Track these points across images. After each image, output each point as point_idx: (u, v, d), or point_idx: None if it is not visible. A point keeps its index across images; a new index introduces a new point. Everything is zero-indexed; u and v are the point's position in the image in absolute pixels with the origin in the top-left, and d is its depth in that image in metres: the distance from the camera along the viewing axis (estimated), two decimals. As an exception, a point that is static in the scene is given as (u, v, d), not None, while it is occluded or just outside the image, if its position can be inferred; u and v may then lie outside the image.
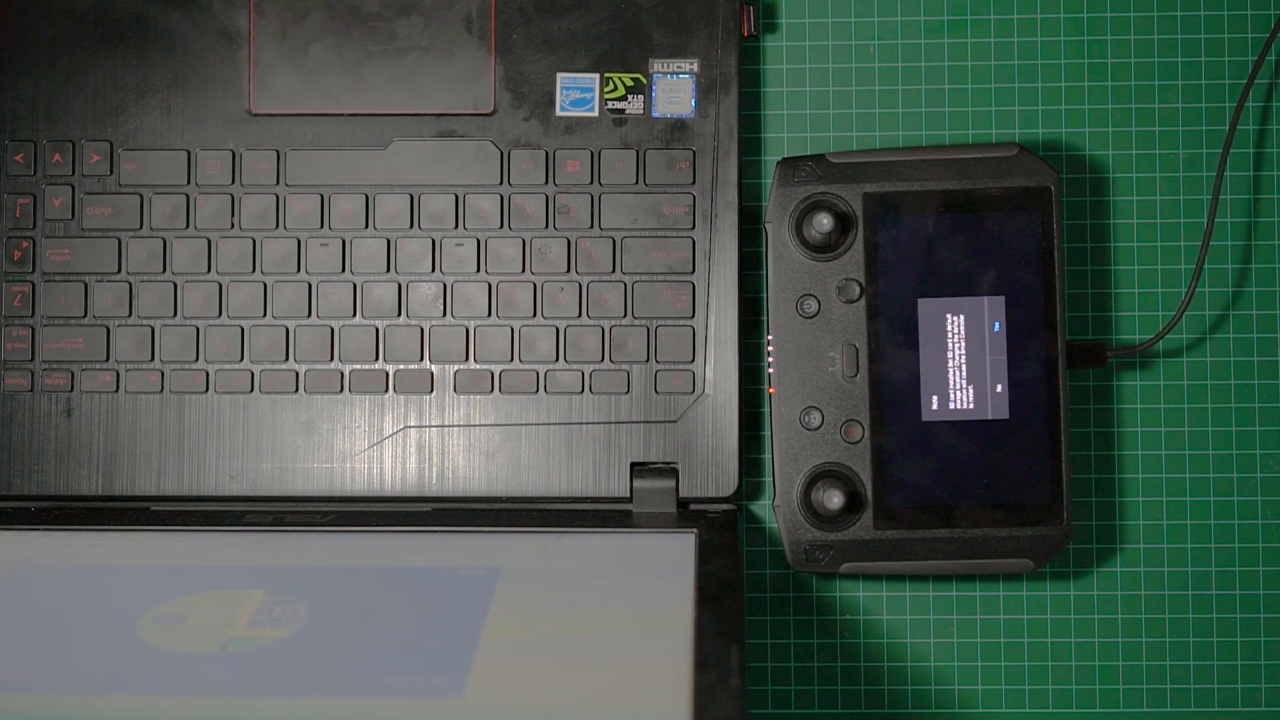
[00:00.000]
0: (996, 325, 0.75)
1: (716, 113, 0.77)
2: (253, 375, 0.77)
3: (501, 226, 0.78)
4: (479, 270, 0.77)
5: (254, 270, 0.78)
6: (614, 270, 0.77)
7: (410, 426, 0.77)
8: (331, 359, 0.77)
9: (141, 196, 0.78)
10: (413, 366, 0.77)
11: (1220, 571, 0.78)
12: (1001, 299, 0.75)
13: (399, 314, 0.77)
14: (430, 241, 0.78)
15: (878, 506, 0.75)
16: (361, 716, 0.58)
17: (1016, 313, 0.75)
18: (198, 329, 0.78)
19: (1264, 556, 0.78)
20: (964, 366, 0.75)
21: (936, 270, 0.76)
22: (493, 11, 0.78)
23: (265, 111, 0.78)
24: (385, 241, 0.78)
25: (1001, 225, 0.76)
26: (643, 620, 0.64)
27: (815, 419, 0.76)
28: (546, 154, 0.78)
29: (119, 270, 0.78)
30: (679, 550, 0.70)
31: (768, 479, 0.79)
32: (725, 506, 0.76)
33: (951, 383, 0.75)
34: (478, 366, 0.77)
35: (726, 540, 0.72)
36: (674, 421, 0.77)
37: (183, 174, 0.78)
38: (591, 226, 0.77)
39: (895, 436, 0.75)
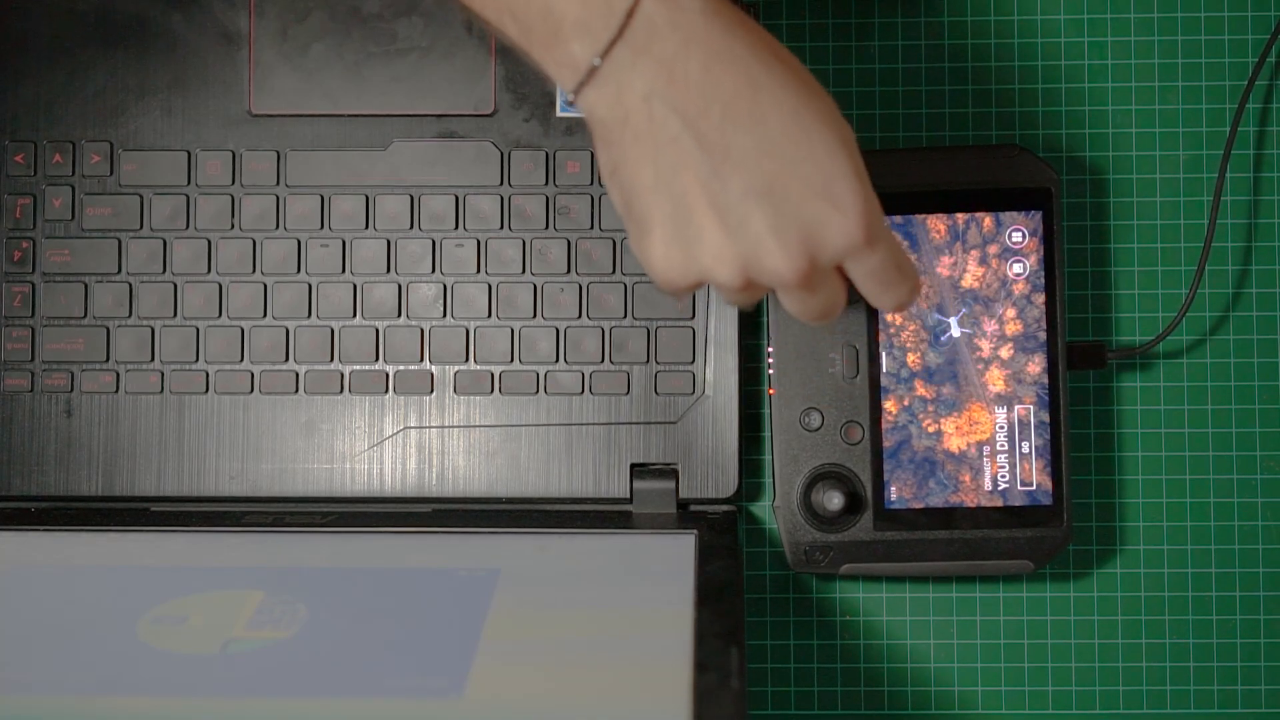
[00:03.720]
0: (996, 326, 0.75)
1: (717, 113, 0.77)
2: (253, 376, 0.77)
3: (502, 227, 0.78)
4: (479, 271, 0.77)
5: (254, 271, 0.78)
6: (614, 271, 0.77)
7: (410, 427, 0.77)
8: (331, 360, 0.77)
9: (141, 197, 0.78)
10: (413, 367, 0.77)
11: (1220, 573, 0.78)
12: (1002, 300, 0.75)
13: (399, 315, 0.77)
14: (430, 242, 0.78)
15: (878, 508, 0.75)
16: (361, 717, 0.58)
17: (1016, 314, 0.75)
18: (198, 329, 0.78)
19: (1264, 558, 0.78)
20: (964, 368, 0.75)
21: (937, 271, 0.76)
22: (493, 12, 0.78)
23: (265, 112, 0.78)
24: (385, 242, 0.78)
25: (1001, 226, 0.76)
26: (643, 621, 0.64)
27: (815, 420, 0.76)
28: (547, 155, 0.78)
29: (119, 271, 0.78)
30: (679, 551, 0.70)
31: (768, 480, 0.79)
32: (725, 507, 0.76)
33: (951, 384, 0.75)
34: (478, 367, 0.77)
35: (726, 541, 0.72)
36: (674, 422, 0.77)
37: (183, 174, 0.78)
38: (592, 227, 0.77)
39: (895, 437, 0.75)
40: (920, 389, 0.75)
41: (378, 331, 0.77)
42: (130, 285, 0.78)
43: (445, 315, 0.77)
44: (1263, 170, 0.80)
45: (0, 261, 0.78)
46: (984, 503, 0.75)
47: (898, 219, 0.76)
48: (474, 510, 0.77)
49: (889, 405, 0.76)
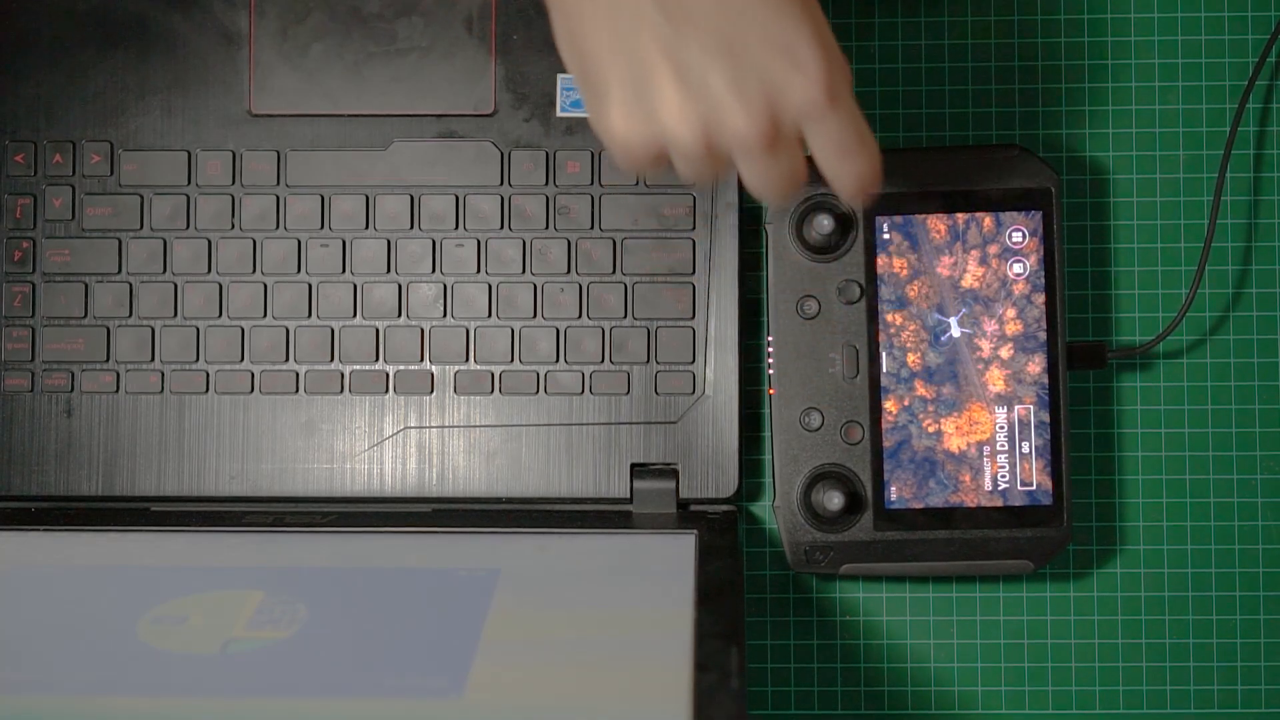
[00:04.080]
0: (996, 326, 0.75)
1: (717, 113, 0.77)
2: (253, 376, 0.77)
3: (502, 227, 0.78)
4: (479, 271, 0.77)
5: (254, 271, 0.78)
6: (614, 271, 0.77)
7: (410, 427, 0.77)
8: (332, 360, 0.77)
9: (142, 197, 0.78)
10: (413, 367, 0.77)
11: (1220, 573, 0.78)
12: (1002, 300, 0.75)
13: (399, 315, 0.77)
14: (430, 242, 0.78)
15: (878, 508, 0.75)
16: (361, 717, 0.58)
17: (1016, 314, 0.75)
18: (198, 329, 0.78)
19: (1264, 558, 0.78)
20: (964, 368, 0.75)
21: (936, 271, 0.76)
22: (493, 12, 0.78)
23: (266, 112, 0.78)
24: (385, 242, 0.78)
25: (1001, 226, 0.76)
26: (643, 621, 0.64)
27: (815, 420, 0.76)
28: (547, 155, 0.78)
29: (119, 271, 0.78)
30: (679, 551, 0.70)
31: (768, 480, 0.79)
32: (725, 507, 0.76)
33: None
34: (478, 367, 0.77)
35: (726, 541, 0.72)
36: (674, 422, 0.77)
37: (183, 174, 0.78)
38: (592, 227, 0.77)
39: (895, 437, 0.75)
40: (920, 389, 0.75)
41: (378, 331, 0.77)
42: (130, 285, 0.78)
43: (445, 315, 0.77)
44: (1263, 170, 0.80)
45: (0, 261, 0.78)
46: (984, 503, 0.75)
47: (898, 219, 0.76)
48: (474, 510, 0.77)
49: (889, 405, 0.76)
